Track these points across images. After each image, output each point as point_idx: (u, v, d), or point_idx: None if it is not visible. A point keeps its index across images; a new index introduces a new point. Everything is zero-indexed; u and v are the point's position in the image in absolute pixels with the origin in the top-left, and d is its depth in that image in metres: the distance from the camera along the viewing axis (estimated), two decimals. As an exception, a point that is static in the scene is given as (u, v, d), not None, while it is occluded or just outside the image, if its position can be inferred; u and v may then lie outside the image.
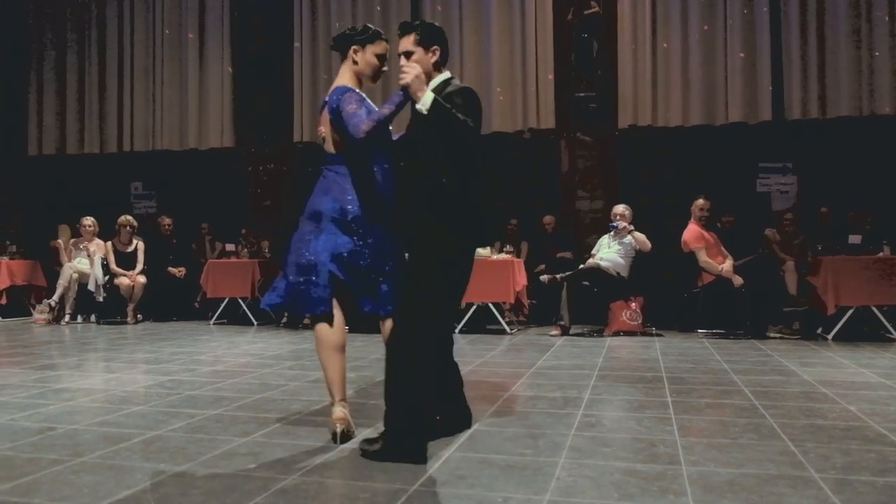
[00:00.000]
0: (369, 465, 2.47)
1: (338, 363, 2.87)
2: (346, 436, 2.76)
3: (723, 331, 6.71)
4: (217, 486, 2.24)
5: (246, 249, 8.28)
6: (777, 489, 2.20)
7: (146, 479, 2.31)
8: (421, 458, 2.47)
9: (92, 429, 3.00)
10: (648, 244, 6.81)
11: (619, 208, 6.98)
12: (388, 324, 2.86)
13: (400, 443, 2.49)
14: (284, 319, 7.75)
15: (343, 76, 2.99)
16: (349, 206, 2.84)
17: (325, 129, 2.92)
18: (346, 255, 2.82)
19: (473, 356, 5.28)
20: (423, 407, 2.56)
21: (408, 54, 2.77)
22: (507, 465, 2.46)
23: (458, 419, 2.96)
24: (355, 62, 2.98)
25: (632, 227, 6.86)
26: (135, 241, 8.30)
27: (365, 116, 2.76)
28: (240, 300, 7.96)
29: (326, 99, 2.91)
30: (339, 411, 2.82)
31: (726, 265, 6.63)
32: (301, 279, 2.86)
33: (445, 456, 2.57)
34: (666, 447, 2.70)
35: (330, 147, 2.92)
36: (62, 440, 2.81)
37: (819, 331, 6.58)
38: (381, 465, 2.46)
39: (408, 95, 2.64)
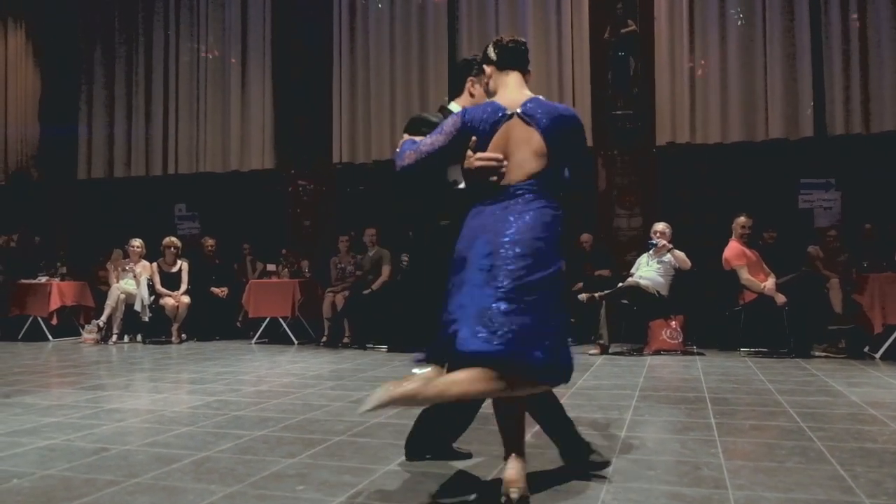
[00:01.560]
0: (416, 487, 2.50)
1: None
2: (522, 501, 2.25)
3: (766, 350, 6.61)
4: (267, 508, 2.30)
5: (286, 269, 8.42)
6: (827, 516, 2.17)
7: (199, 501, 2.38)
8: None
9: (144, 449, 3.09)
10: (688, 262, 6.75)
11: (659, 226, 6.94)
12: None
13: None
14: (324, 339, 7.85)
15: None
16: None
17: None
18: None
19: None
20: None
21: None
22: (552, 489, 2.47)
23: None
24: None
25: (671, 246, 6.82)
26: (179, 262, 8.50)
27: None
28: (280, 320, 8.08)
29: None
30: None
31: (769, 283, 6.54)
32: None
33: (489, 478, 2.60)
34: (711, 470, 2.68)
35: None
36: (116, 461, 2.90)
37: (866, 349, 6.44)
38: (427, 488, 2.50)
39: None
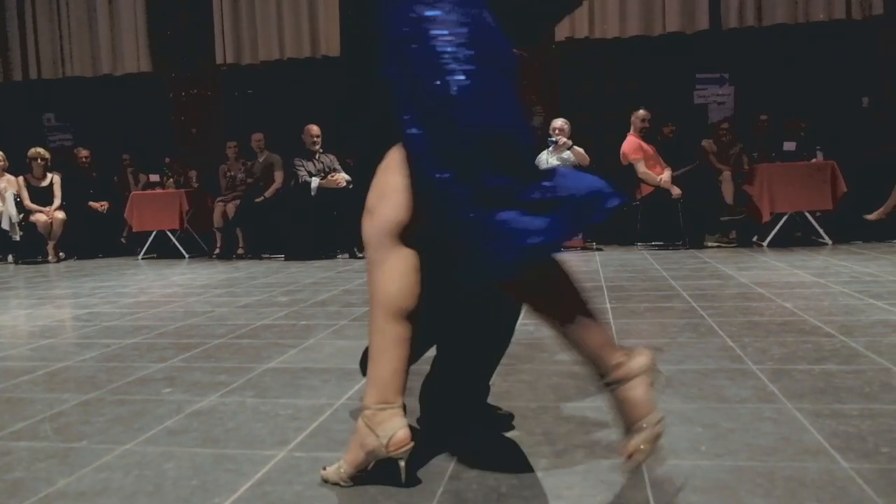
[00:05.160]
0: (293, 383, 2.32)
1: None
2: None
3: (662, 242, 6.73)
4: (125, 412, 2.06)
5: (171, 180, 7.87)
6: (716, 381, 2.14)
7: (46, 410, 2.11)
8: None
9: (-7, 364, 2.76)
10: (587, 158, 6.71)
11: (558, 122, 6.83)
12: None
13: None
14: (217, 250, 7.46)
15: None
16: None
17: None
18: None
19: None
20: None
21: None
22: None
23: None
24: None
25: (570, 142, 6.74)
26: (49, 175, 7.79)
27: None
28: (168, 233, 7.60)
29: None
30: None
31: (665, 175, 6.60)
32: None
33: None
34: (604, 349, 2.62)
35: None
36: (-43, 377, 2.57)
37: (755, 239, 6.66)
38: (308, 383, 2.32)
39: None
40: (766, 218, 6.37)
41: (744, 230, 6.78)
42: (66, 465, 1.67)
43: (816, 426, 1.71)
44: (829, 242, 6.29)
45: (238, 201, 7.40)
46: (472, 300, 1.69)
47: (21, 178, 7.66)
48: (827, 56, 7.61)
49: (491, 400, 1.88)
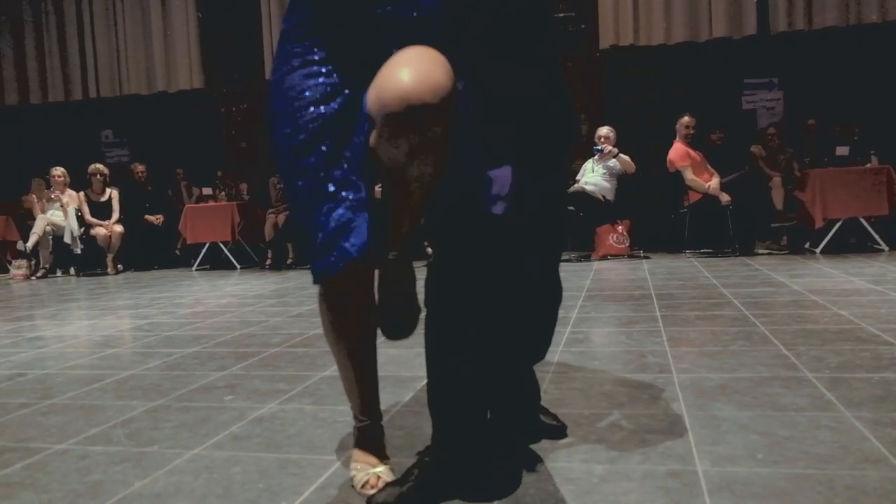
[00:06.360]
0: (350, 390, 2.38)
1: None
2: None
3: (711, 249, 6.65)
4: (190, 419, 2.15)
5: (224, 193, 8.08)
6: (771, 390, 2.13)
7: (117, 416, 2.21)
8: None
9: (64, 372, 2.90)
10: (633, 166, 6.68)
11: (603, 130, 6.82)
12: None
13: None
14: (268, 262, 7.63)
15: None
16: None
17: None
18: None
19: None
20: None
21: None
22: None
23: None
24: None
25: (616, 150, 6.71)
26: (108, 191, 8.08)
27: None
28: (221, 244, 7.81)
29: None
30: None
31: (713, 183, 6.53)
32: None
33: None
34: (656, 357, 2.63)
35: None
36: (32, 384, 2.71)
37: (807, 245, 6.54)
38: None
39: None
40: (819, 224, 6.25)
41: (795, 237, 6.66)
42: (140, 469, 1.75)
43: (876, 435, 1.70)
44: (886, 249, 6.13)
45: (288, 213, 7.56)
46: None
47: (82, 194, 7.97)
48: (880, 58, 7.43)
49: (548, 406, 1.90)
